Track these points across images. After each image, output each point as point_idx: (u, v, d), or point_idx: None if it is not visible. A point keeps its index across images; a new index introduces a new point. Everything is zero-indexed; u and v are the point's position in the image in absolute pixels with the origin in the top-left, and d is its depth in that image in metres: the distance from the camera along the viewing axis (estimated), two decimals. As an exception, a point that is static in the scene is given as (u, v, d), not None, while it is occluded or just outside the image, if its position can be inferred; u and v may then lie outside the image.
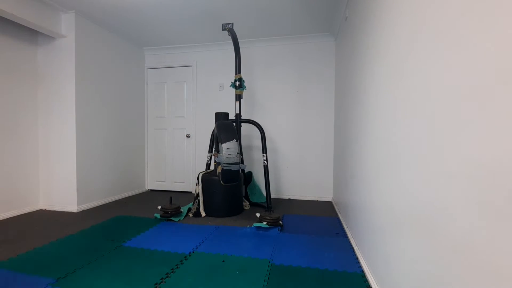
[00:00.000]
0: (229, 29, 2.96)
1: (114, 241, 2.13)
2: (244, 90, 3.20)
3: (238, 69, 3.05)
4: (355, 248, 1.97)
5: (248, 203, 3.28)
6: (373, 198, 1.56)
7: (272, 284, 1.52)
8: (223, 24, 2.97)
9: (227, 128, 2.60)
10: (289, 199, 3.73)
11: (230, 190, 2.88)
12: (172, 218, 2.68)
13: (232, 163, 2.50)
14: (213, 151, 3.14)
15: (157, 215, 2.72)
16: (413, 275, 0.99)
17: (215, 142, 2.88)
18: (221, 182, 2.60)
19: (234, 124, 3.20)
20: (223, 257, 1.86)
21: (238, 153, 2.52)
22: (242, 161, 2.74)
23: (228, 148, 2.48)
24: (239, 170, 2.57)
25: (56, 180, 3.06)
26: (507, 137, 0.56)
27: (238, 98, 3.08)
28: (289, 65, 3.72)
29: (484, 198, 0.62)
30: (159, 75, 4.21)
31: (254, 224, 2.43)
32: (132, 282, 1.53)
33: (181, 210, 2.84)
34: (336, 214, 2.98)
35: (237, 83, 3.04)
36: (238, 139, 2.58)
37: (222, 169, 2.53)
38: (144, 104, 4.24)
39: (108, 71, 3.46)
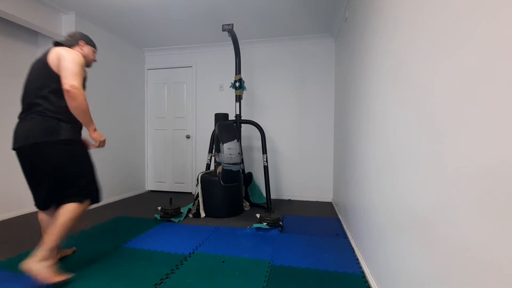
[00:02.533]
0: (229, 30, 2.96)
1: (114, 241, 2.13)
2: (244, 90, 3.20)
3: (238, 70, 3.05)
4: (355, 249, 1.97)
5: (248, 203, 3.28)
6: (373, 199, 1.56)
7: (272, 285, 1.52)
8: (223, 25, 2.98)
9: (228, 128, 2.60)
10: (289, 199, 3.73)
11: (230, 190, 2.88)
12: (172, 219, 2.68)
13: (233, 163, 2.50)
14: (213, 152, 3.14)
15: (157, 216, 2.72)
16: (413, 276, 0.99)
17: (215, 142, 2.88)
18: (221, 183, 2.60)
19: (235, 124, 3.20)
20: (223, 258, 1.85)
21: (239, 153, 2.52)
22: (242, 161, 2.74)
23: (229, 148, 2.48)
24: (239, 170, 2.57)
25: (56, 180, 3.06)
26: (507, 137, 0.56)
27: (238, 98, 3.09)
28: (289, 65, 3.72)
29: (484, 199, 0.62)
30: (159, 75, 4.21)
31: (254, 224, 2.43)
32: (132, 282, 1.53)
33: (181, 210, 2.84)
34: (336, 215, 2.98)
35: (237, 84, 3.04)
36: (239, 139, 2.58)
37: (223, 169, 2.53)
38: (144, 104, 4.24)
39: (108, 72, 3.46)
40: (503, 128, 0.57)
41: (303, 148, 3.72)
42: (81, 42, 1.73)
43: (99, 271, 1.66)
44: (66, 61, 1.48)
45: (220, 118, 3.00)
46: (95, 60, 1.83)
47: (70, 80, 1.45)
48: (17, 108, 2.87)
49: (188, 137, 4.12)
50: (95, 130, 1.64)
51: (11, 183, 2.82)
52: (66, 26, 2.99)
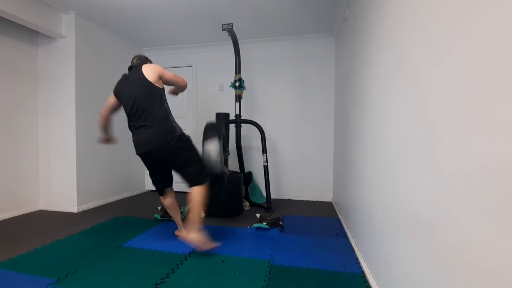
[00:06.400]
0: (229, 29, 2.96)
1: (114, 241, 2.13)
2: (244, 90, 3.20)
3: (238, 70, 3.05)
4: (355, 248, 1.98)
5: (248, 203, 3.28)
6: (373, 199, 1.57)
7: (272, 284, 1.52)
8: (222, 25, 2.97)
9: (210, 128, 2.56)
10: (289, 199, 3.73)
11: (230, 190, 2.88)
12: (172, 219, 2.68)
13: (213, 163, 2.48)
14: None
15: (157, 216, 2.72)
16: (413, 275, 0.99)
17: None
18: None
19: (235, 124, 3.20)
20: (223, 257, 1.86)
21: (219, 153, 2.49)
22: (226, 162, 2.69)
23: (209, 148, 2.47)
24: (223, 170, 2.54)
25: (56, 180, 3.06)
26: (506, 137, 0.56)
27: (238, 98, 3.08)
28: (289, 65, 3.72)
29: (483, 199, 0.62)
30: (159, 75, 4.20)
31: (254, 224, 2.43)
32: (132, 282, 1.53)
33: (181, 210, 2.84)
34: (336, 214, 2.98)
35: (237, 84, 3.04)
36: (222, 137, 2.53)
37: None
38: (144, 104, 4.23)
39: (108, 71, 3.46)
40: (502, 127, 0.57)
41: (303, 148, 3.72)
42: (148, 62, 2.13)
43: (99, 270, 1.66)
44: (166, 72, 2.04)
45: (221, 118, 3.00)
46: None
47: (181, 79, 2.16)
48: (19, 106, 2.87)
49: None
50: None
51: (11, 183, 2.82)
52: (66, 25, 2.98)
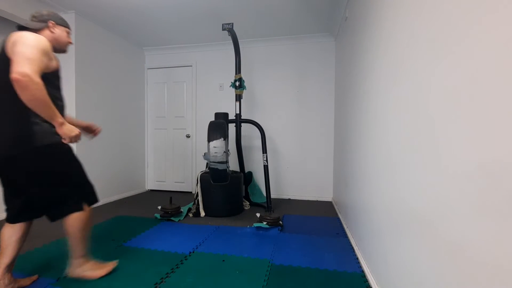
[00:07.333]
0: (229, 29, 2.96)
1: (114, 241, 2.13)
2: (244, 90, 3.20)
3: (238, 69, 3.05)
4: (355, 248, 1.98)
5: (248, 203, 3.28)
6: (373, 198, 1.57)
7: (272, 284, 1.52)
8: (223, 24, 2.97)
9: (216, 127, 2.58)
10: (289, 199, 3.73)
11: (230, 190, 2.88)
12: (172, 218, 2.68)
13: (219, 162, 2.49)
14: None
15: (157, 215, 2.72)
16: (413, 275, 0.99)
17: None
18: (211, 181, 2.63)
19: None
20: (223, 257, 1.86)
21: (225, 152, 2.50)
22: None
23: (214, 146, 2.48)
24: (226, 169, 2.56)
25: (56, 180, 3.06)
26: (506, 137, 0.56)
27: (238, 98, 3.08)
28: (289, 65, 3.72)
29: (483, 199, 0.62)
30: (159, 75, 4.21)
31: (254, 224, 2.43)
32: (132, 281, 1.53)
33: (181, 210, 2.84)
34: (336, 214, 2.98)
35: (237, 83, 3.04)
36: (226, 138, 2.54)
37: (210, 168, 2.54)
38: (144, 104, 4.24)
39: (108, 71, 3.46)
40: (501, 128, 0.57)
41: (303, 147, 3.72)
42: (51, 23, 1.42)
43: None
44: (19, 45, 1.18)
45: (220, 118, 3.00)
46: (70, 43, 1.52)
47: (19, 67, 1.13)
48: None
49: (188, 136, 4.12)
50: (62, 124, 1.31)
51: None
52: (66, 25, 2.98)
